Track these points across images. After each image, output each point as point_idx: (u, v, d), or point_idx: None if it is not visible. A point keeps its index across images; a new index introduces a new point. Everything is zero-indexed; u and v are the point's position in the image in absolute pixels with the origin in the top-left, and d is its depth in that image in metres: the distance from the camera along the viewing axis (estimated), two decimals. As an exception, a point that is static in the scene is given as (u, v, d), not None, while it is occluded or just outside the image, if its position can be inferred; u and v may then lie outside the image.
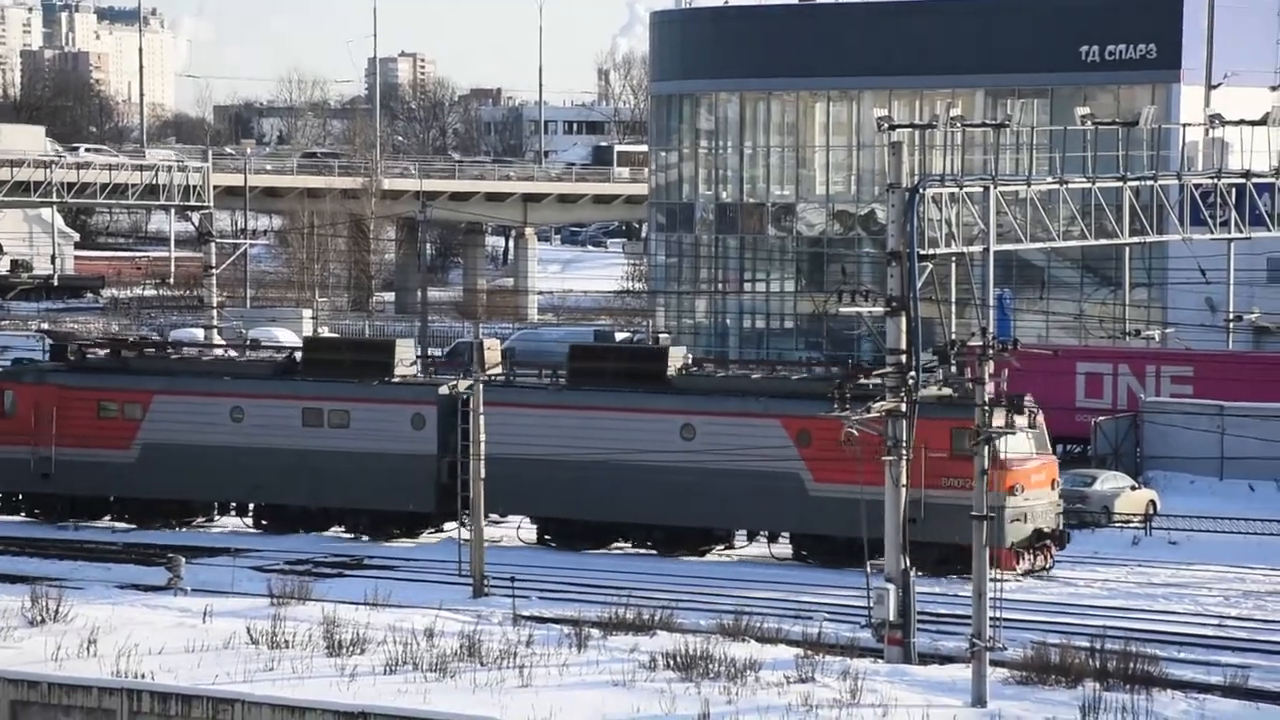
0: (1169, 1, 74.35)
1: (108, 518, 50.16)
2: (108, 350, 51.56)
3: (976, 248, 43.43)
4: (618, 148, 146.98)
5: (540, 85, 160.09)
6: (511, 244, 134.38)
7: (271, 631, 36.08)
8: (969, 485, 40.59)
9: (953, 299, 44.18)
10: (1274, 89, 74.44)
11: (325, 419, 47.55)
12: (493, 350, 47.71)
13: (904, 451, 36.05)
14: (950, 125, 45.30)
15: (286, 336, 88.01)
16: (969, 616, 34.04)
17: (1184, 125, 65.44)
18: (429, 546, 48.20)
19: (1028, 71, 75.29)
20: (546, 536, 47.12)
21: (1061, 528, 43.87)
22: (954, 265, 43.32)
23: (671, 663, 34.26)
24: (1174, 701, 32.79)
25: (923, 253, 38.00)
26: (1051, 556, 43.68)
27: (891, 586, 35.94)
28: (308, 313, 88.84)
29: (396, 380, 47.79)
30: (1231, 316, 54.57)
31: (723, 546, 46.47)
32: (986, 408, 34.04)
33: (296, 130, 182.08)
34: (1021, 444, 42.72)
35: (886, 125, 43.11)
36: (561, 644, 36.06)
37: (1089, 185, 46.85)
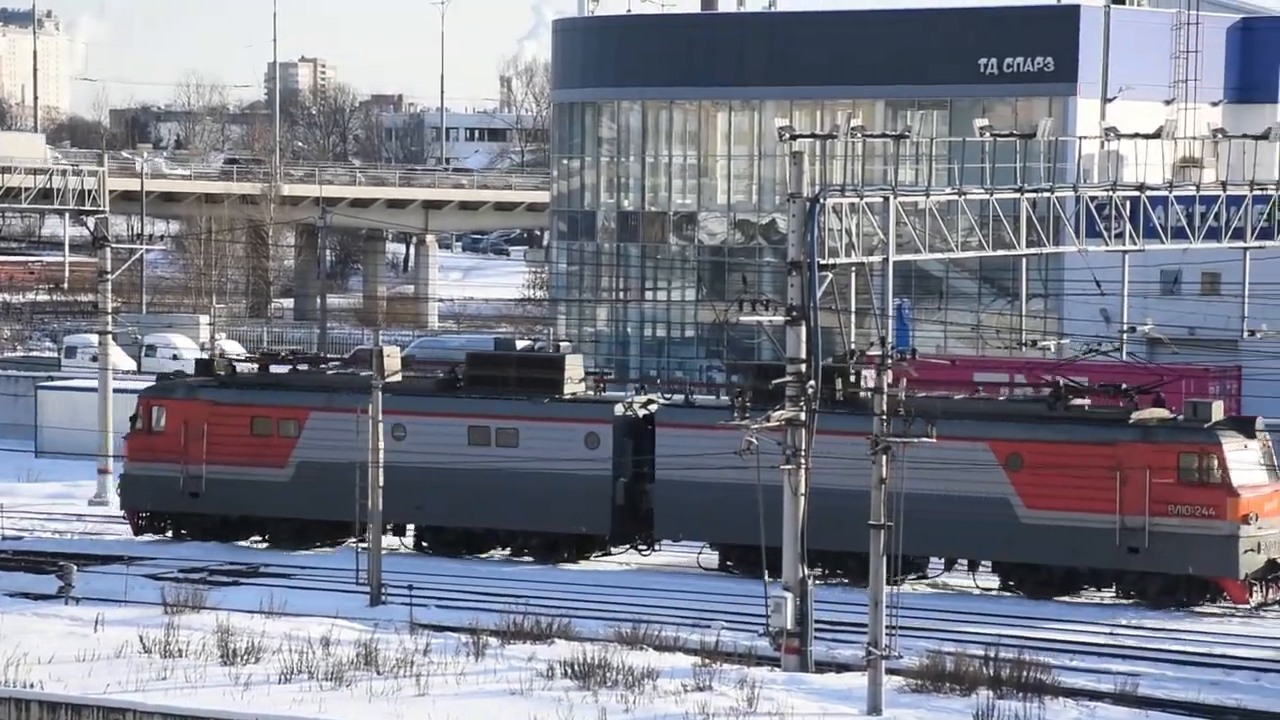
0: (1066, 16, 75.09)
1: (255, 538, 48.62)
2: (259, 365, 49.99)
3: (876, 258, 43.60)
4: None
5: (442, 91, 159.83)
6: (412, 251, 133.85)
7: (165, 640, 35.72)
8: (1199, 514, 40.69)
9: (852, 308, 44.35)
10: (1168, 103, 75.35)
11: (492, 438, 45.94)
12: (392, 358, 47.40)
13: (803, 460, 36.14)
14: (851, 136, 45.54)
15: (183, 343, 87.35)
16: (866, 626, 34.19)
17: (1080, 138, 66.06)
18: (326, 555, 47.88)
19: (927, 83, 75.82)
20: (728, 563, 44.89)
21: None
22: (854, 275, 43.51)
23: (569, 671, 34.20)
24: (1065, 709, 33.08)
25: (823, 262, 38.06)
26: None
27: (789, 595, 36.02)
28: (205, 319, 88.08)
29: (568, 398, 46.10)
30: (1125, 328, 55.11)
31: (915, 575, 44.01)
32: (884, 416, 34.18)
33: (194, 135, 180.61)
34: (1255, 469, 41.28)
35: (788, 135, 43.26)
36: (459, 652, 35.92)
37: (987, 196, 47.16)
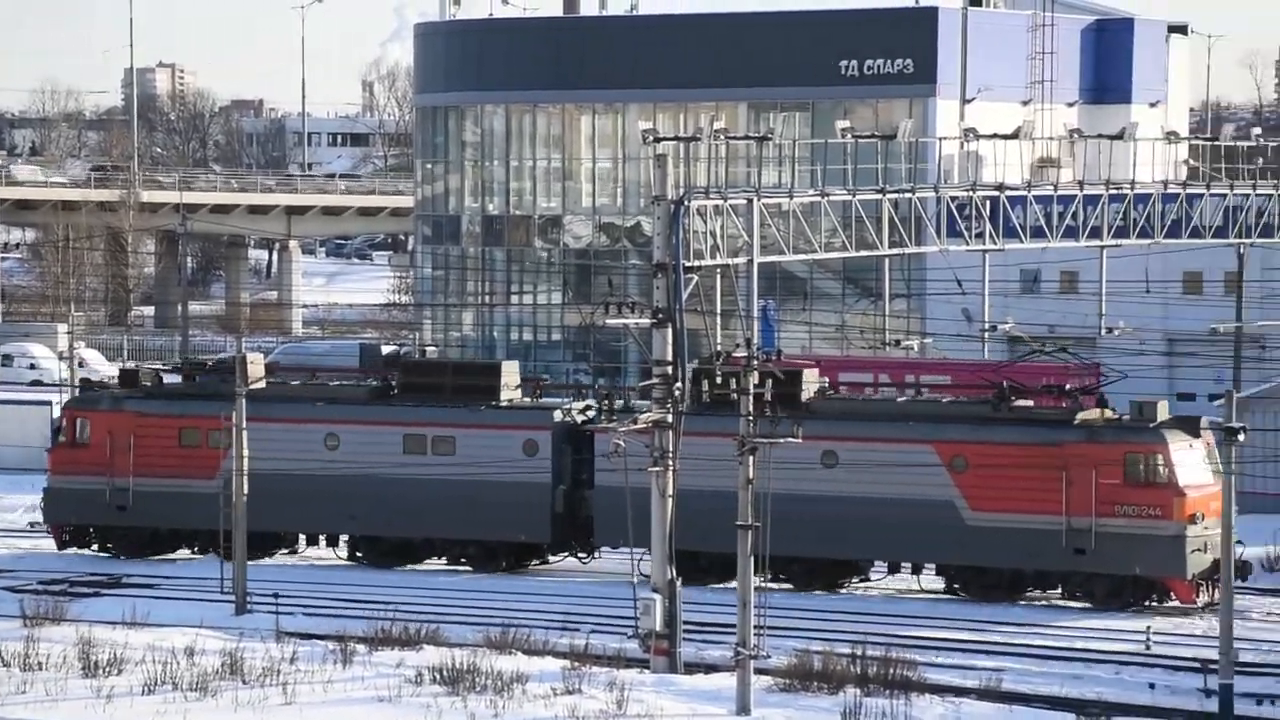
0: (925, 18, 75.82)
1: (184, 549, 47.76)
2: (184, 375, 48.88)
3: (741, 259, 43.75)
4: None
5: (303, 96, 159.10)
6: (275, 257, 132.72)
7: (24, 653, 35.13)
8: (1145, 514, 40.15)
9: (718, 310, 44.45)
10: (1025, 104, 76.29)
11: (429, 446, 45.24)
12: (256, 365, 46.91)
13: (671, 463, 36.20)
14: (714, 138, 45.64)
15: (41, 352, 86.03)
16: (734, 626, 34.29)
17: (940, 139, 66.71)
18: (189, 564, 47.32)
19: (789, 85, 76.26)
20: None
21: (1241, 558, 40.39)
22: (719, 277, 43.62)
23: (438, 677, 34.06)
24: (931, 705, 33.36)
25: (688, 264, 38.10)
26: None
27: (658, 597, 36.06)
28: (63, 328, 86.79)
29: (505, 405, 45.43)
30: (986, 326, 55.70)
31: (858, 579, 44.10)
32: (750, 417, 34.30)
33: (50, 142, 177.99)
34: (1199, 468, 40.87)
35: (652, 138, 43.29)
36: (326, 660, 35.64)
37: (849, 198, 47.46)
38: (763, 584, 41.40)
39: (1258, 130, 64.72)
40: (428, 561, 46.85)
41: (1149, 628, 38.56)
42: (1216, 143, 56.95)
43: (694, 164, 56.31)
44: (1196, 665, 35.39)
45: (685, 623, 36.62)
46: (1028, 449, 41.02)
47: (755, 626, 33.75)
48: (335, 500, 45.79)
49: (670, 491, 36.47)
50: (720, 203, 42.14)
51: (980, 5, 78.13)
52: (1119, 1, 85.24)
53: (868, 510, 42.20)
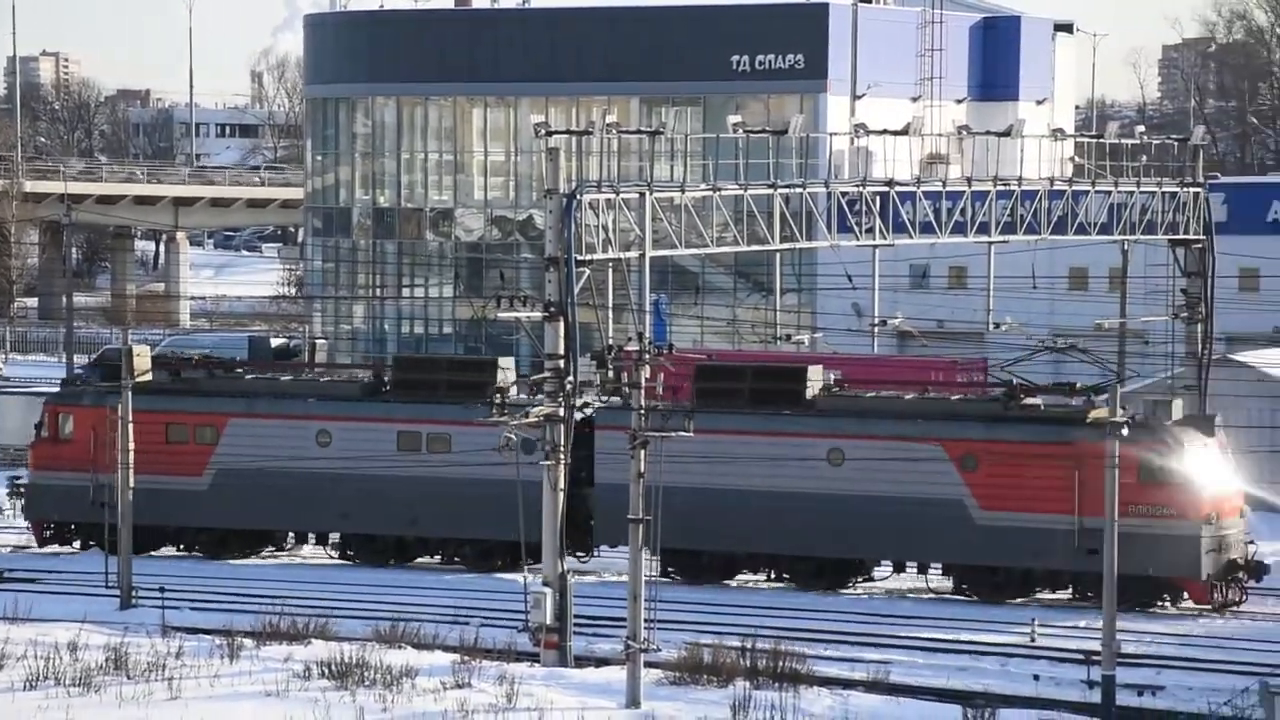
0: (815, 14, 76.21)
1: (168, 548, 46.82)
2: (172, 371, 47.62)
3: (633, 253, 43.76)
4: None
5: (191, 87, 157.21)
6: (163, 248, 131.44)
7: (-98, 650, 34.59)
8: (1160, 514, 39.66)
9: (610, 304, 44.44)
10: (915, 100, 76.87)
11: (424, 443, 44.44)
12: (142, 357, 46.35)
13: (561, 456, 36.18)
14: (606, 132, 45.56)
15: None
16: (625, 619, 34.33)
17: (830, 134, 67.05)
18: (74, 558, 46.79)
19: (681, 80, 76.41)
20: (670, 569, 43.83)
21: (1256, 558, 40.94)
22: (611, 271, 43.62)
23: (326, 671, 33.87)
24: (820, 697, 33.55)
25: (580, 258, 38.08)
26: (1245, 590, 40.98)
27: (548, 590, 36.05)
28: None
29: (504, 402, 43.62)
30: (876, 321, 56.03)
31: (861, 579, 43.59)
32: (644, 412, 34.32)
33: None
34: (1214, 467, 40.71)
35: (544, 132, 43.20)
36: (213, 655, 35.36)
37: (741, 192, 47.57)
38: (764, 583, 41.32)
39: (1141, 128, 65.32)
40: (424, 559, 45.97)
41: (1034, 620, 38.97)
42: (1101, 140, 57.39)
43: (586, 158, 56.13)
44: (1080, 657, 35.79)
45: (576, 616, 36.63)
46: (1040, 447, 40.56)
47: (645, 620, 33.80)
48: (326, 498, 44.98)
49: (562, 485, 36.44)
50: (612, 197, 42.14)
51: (870, 2, 78.64)
52: (1006, 0, 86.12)
53: (875, 509, 41.71)
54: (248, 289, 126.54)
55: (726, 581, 43.86)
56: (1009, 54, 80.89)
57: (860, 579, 43.63)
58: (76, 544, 47.57)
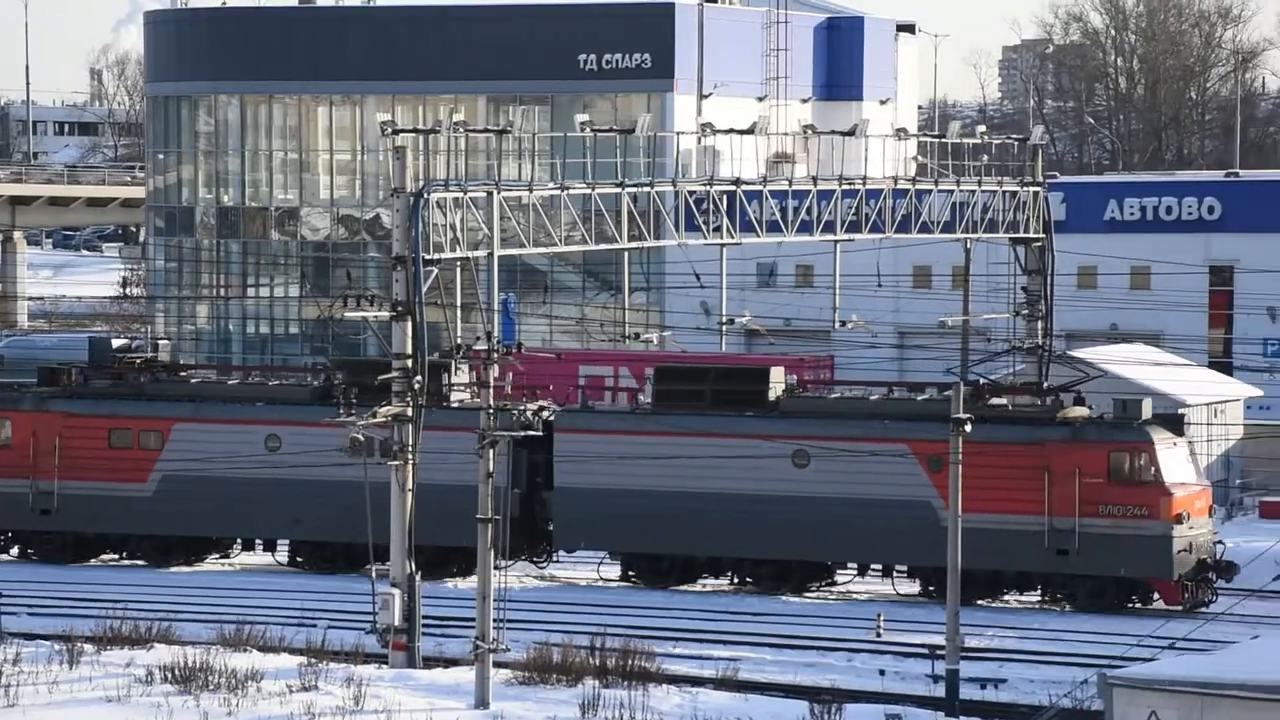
0: (661, 14, 76.46)
1: (107, 554, 45.59)
2: (114, 375, 46.23)
3: (481, 252, 43.62)
4: None
5: (27, 83, 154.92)
6: None
7: None
8: (1131, 514, 39.14)
9: (458, 303, 44.28)
10: (761, 99, 77.38)
11: (375, 448, 43.45)
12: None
13: (410, 456, 36.03)
14: (453, 130, 45.37)
15: None
16: (473, 619, 34.24)
17: (678, 133, 67.27)
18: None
19: (528, 79, 76.34)
20: (631, 573, 43.57)
21: (1224, 558, 40.64)
22: (459, 270, 43.47)
23: (169, 676, 33.48)
24: (669, 695, 33.67)
25: (428, 257, 37.92)
26: (1214, 590, 40.60)
27: (396, 592, 35.89)
28: None
29: (455, 405, 43.20)
30: (724, 319, 56.35)
31: (819, 584, 43.14)
32: (491, 410, 34.25)
33: None
34: (1184, 466, 40.40)
35: (390, 130, 42.95)
36: (52, 661, 34.79)
37: (589, 191, 47.62)
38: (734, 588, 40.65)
39: (982, 128, 66.26)
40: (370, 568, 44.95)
41: (880, 615, 39.36)
42: (944, 140, 58.07)
43: (433, 156, 55.91)
44: (924, 651, 36.22)
45: (425, 617, 36.50)
46: (1008, 448, 40.19)
47: (494, 620, 33.74)
48: (275, 504, 44.11)
49: (410, 485, 36.28)
50: (460, 195, 42.01)
51: (716, 1, 79.05)
52: (850, 0, 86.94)
53: (841, 511, 41.34)
54: (88, 289, 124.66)
55: (687, 586, 43.22)
56: (853, 54, 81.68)
57: (822, 583, 43.13)
58: (14, 551, 46.35)
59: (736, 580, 43.16)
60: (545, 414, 43.35)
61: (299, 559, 45.50)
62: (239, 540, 46.36)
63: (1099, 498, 39.58)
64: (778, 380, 43.01)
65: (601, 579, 44.26)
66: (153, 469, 44.86)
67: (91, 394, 45.74)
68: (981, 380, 42.41)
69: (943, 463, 39.90)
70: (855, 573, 43.34)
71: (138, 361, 47.58)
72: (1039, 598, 41.72)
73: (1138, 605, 41.20)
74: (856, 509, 41.38)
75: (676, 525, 42.17)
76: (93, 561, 46.24)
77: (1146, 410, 41.31)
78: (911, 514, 41.17)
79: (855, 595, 43.22)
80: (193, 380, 46.92)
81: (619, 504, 42.51)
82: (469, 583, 43.84)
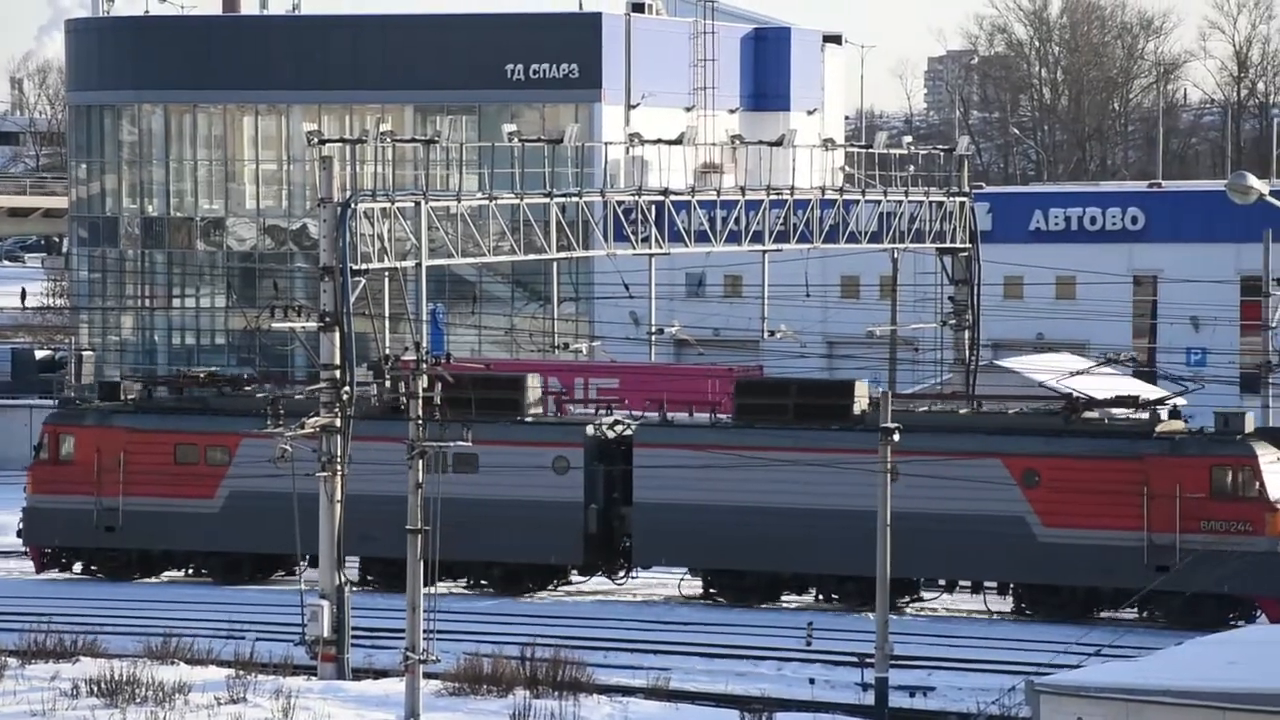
0: (588, 24, 76.50)
1: (172, 571, 44.75)
2: (177, 390, 45.45)
3: (409, 263, 43.55)
4: None
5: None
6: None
7: None
8: (1234, 530, 38.34)
9: (386, 314, 44.17)
10: (688, 110, 77.53)
11: (448, 463, 41.46)
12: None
13: (339, 467, 35.87)
14: (380, 141, 45.25)
15: None
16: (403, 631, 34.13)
17: (606, 144, 67.39)
18: None
19: (456, 89, 76.20)
20: (712, 590, 42.92)
21: None
22: (387, 280, 43.37)
23: (95, 689, 33.21)
24: (599, 705, 33.66)
25: (355, 268, 37.82)
26: None
27: (325, 603, 35.72)
28: None
29: (531, 419, 42.78)
30: (653, 330, 56.41)
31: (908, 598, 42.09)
32: (420, 421, 34.14)
33: None
34: None
35: (316, 140, 42.81)
36: (-24, 676, 34.45)
37: (517, 201, 47.60)
38: (817, 605, 39.93)
39: (909, 138, 66.67)
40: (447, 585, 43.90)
41: (810, 624, 39.46)
42: (871, 150, 58.38)
43: (360, 166, 55.78)
44: (854, 660, 36.33)
45: (355, 628, 36.34)
46: (1105, 462, 39.57)
47: (425, 631, 33.63)
48: (345, 520, 42.29)
49: (340, 496, 36.11)
50: (387, 205, 41.89)
51: (643, 12, 79.16)
52: (776, 11, 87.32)
53: (930, 526, 40.31)
54: (9, 300, 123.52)
55: (770, 604, 42.45)
56: (780, 65, 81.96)
57: (909, 599, 42.29)
58: (78, 568, 45.61)
59: (821, 598, 42.37)
60: (622, 428, 43.05)
61: (369, 577, 44.34)
62: (306, 557, 45.03)
63: (1200, 513, 38.92)
64: (862, 394, 42.38)
65: (681, 595, 43.44)
66: (220, 485, 44.20)
67: (156, 409, 45.03)
68: (1075, 394, 41.62)
69: (1038, 476, 39.81)
70: (944, 589, 42.53)
71: (201, 376, 46.87)
72: (1135, 614, 40.63)
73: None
74: (946, 524, 40.44)
75: (760, 541, 41.38)
76: (148, 579, 45.23)
77: (1249, 424, 40.65)
78: (1004, 529, 40.38)
79: (947, 612, 42.51)
80: (259, 394, 45.98)
81: (701, 519, 41.82)
82: (544, 596, 43.62)
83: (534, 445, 42.59)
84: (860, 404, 42.14)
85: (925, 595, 42.83)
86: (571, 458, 42.61)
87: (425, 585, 32.83)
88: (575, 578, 44.43)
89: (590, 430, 43.20)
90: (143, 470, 43.90)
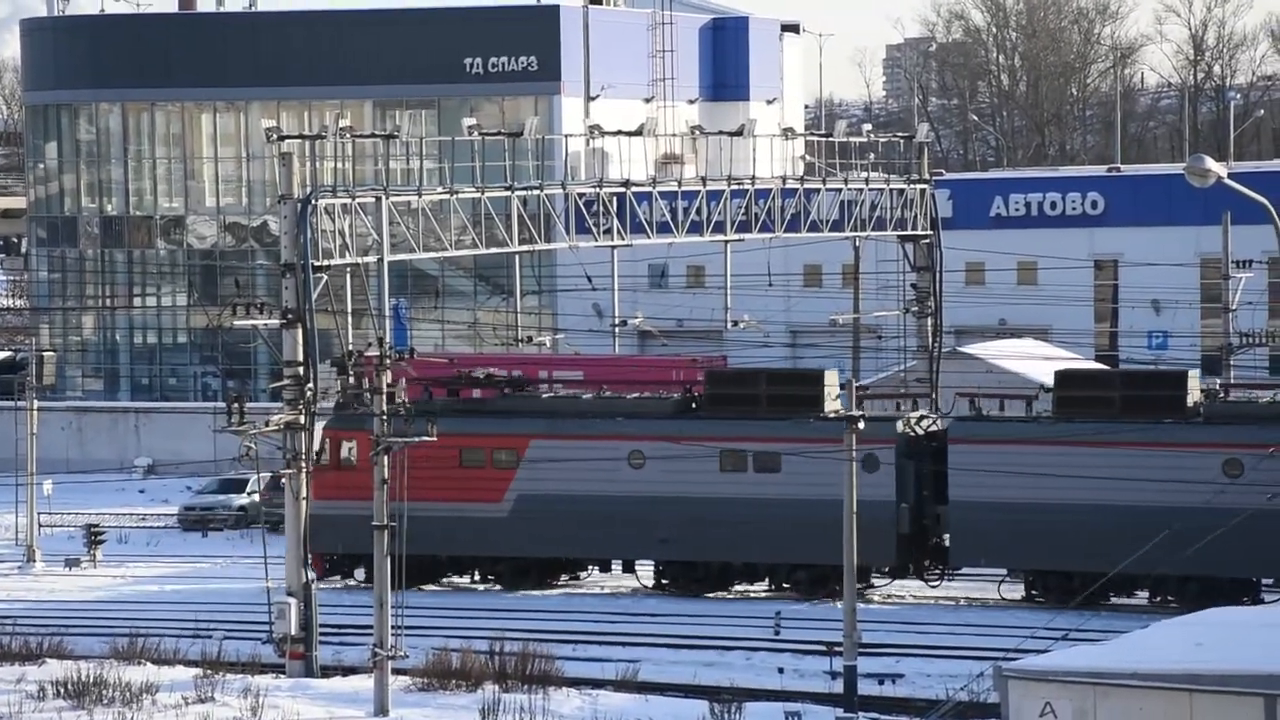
0: (546, 16, 76.43)
1: (453, 577, 43.91)
2: (449, 390, 44.44)
3: (371, 258, 43.43)
4: None
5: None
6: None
7: None
8: None
9: (349, 309, 44.10)
10: (648, 101, 77.51)
11: (750, 463, 41.32)
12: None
13: (304, 464, 35.80)
14: (340, 136, 45.09)
15: None
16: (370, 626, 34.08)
17: (566, 136, 67.34)
18: None
19: (414, 83, 76.06)
20: (1034, 593, 41.20)
21: None
22: (349, 276, 43.27)
23: (62, 691, 33.09)
24: (569, 698, 33.67)
25: (317, 264, 37.71)
26: None
27: (293, 601, 35.67)
28: None
29: (835, 416, 40.85)
30: (617, 321, 56.38)
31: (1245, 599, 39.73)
32: (385, 416, 34.10)
33: None
34: None
35: (275, 136, 42.65)
36: (-58, 679, 34.32)
37: (479, 195, 47.51)
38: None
39: (868, 126, 66.72)
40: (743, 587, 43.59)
41: (778, 613, 39.50)
42: (831, 139, 58.40)
43: (320, 162, 55.61)
44: (823, 648, 36.39)
45: (323, 625, 36.27)
46: None
47: (393, 627, 33.59)
48: (641, 524, 42.16)
49: (304, 493, 36.05)
50: (348, 201, 41.78)
51: (601, 4, 79.09)
52: (733, 1, 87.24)
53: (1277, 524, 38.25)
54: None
55: (1099, 607, 39.87)
56: (738, 54, 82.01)
57: (1250, 600, 40.22)
58: (360, 573, 44.32)
59: (1157, 599, 40.86)
60: (934, 425, 41.83)
61: (664, 581, 43.48)
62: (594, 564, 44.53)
63: None
64: (1194, 385, 40.90)
65: (1002, 598, 42.04)
66: (508, 488, 43.43)
67: (439, 411, 43.04)
68: None
69: None
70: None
71: (484, 377, 45.97)
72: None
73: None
74: None
75: (1088, 541, 39.71)
76: (427, 587, 44.04)
77: None
78: None
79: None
80: (546, 395, 45.32)
81: (1022, 518, 40.42)
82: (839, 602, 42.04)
83: (835, 443, 38.63)
84: (1193, 395, 40.51)
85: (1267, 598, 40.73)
86: (882, 456, 40.88)
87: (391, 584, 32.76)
88: (877, 580, 42.84)
89: (900, 427, 41.88)
90: (427, 474, 41.51)
